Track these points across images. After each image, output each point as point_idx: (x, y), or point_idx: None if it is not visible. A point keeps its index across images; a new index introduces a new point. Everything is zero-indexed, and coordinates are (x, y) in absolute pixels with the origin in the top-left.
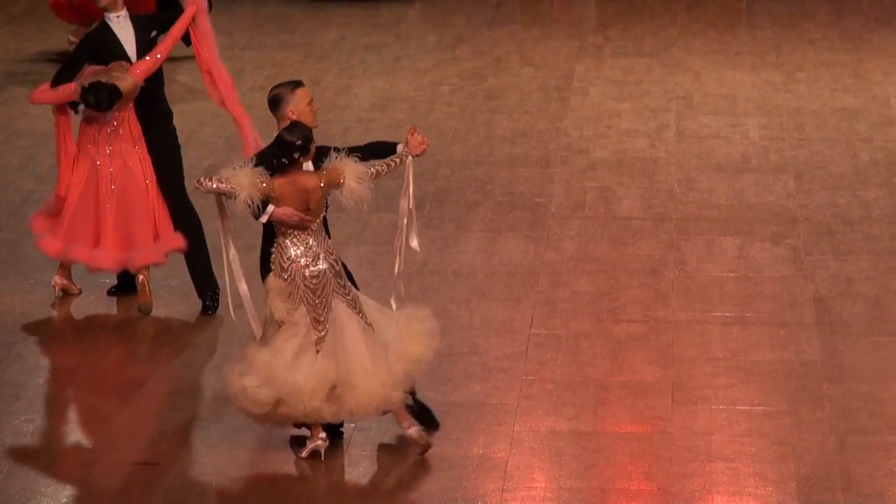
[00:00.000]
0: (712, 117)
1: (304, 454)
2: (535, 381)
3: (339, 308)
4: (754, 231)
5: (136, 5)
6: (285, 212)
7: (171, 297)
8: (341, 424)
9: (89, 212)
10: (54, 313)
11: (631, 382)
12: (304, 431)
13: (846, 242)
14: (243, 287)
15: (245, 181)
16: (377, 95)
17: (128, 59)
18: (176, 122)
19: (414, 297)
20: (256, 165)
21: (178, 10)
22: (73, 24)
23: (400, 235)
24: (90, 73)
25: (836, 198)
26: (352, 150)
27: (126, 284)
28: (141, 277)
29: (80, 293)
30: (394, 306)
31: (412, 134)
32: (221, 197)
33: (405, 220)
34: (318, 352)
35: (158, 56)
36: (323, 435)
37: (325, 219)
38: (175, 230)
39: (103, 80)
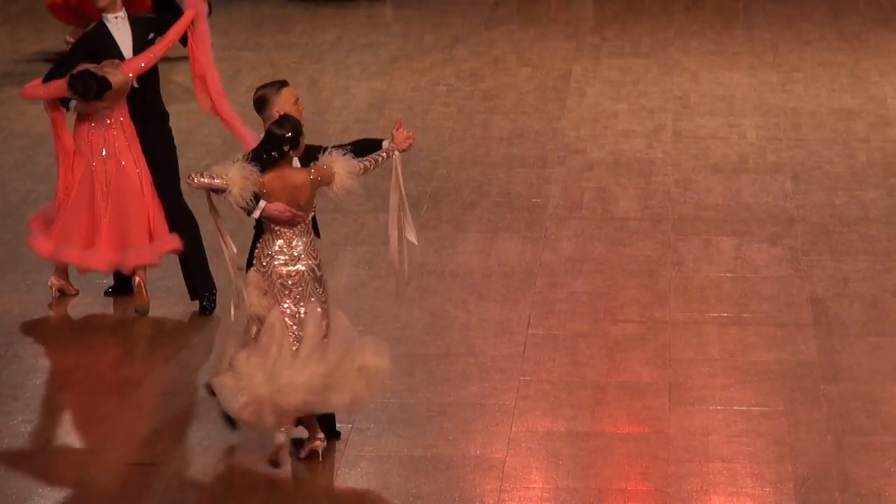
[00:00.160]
0: (709, 118)
1: (302, 455)
2: (533, 382)
3: (312, 311)
4: (751, 231)
5: (131, 6)
6: (277, 207)
7: (169, 298)
8: (335, 427)
9: (83, 212)
10: (51, 314)
11: (628, 383)
12: (303, 432)
13: (843, 243)
14: (240, 284)
15: (236, 176)
16: (374, 96)
17: (120, 57)
18: (173, 122)
19: (411, 298)
20: (248, 161)
21: (176, 13)
22: (69, 24)
23: (394, 230)
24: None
25: (833, 198)
26: (336, 148)
27: (123, 285)
28: (137, 279)
29: (78, 294)
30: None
31: (397, 129)
32: (212, 194)
33: (398, 214)
34: (295, 349)
35: (151, 56)
36: (321, 436)
37: (314, 219)
38: (170, 232)
39: (93, 70)
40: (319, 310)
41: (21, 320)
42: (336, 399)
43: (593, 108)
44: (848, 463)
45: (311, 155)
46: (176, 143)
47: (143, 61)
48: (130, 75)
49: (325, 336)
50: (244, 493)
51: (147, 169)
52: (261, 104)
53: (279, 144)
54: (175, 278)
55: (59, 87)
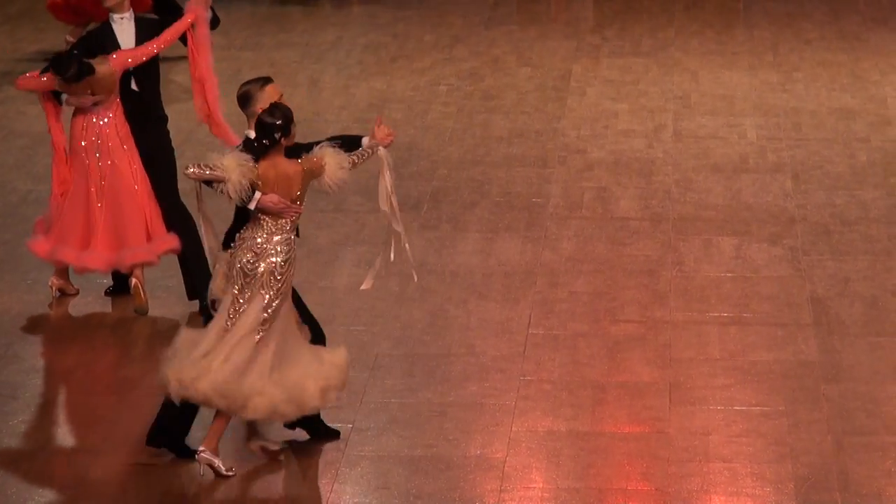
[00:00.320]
0: (710, 117)
1: (253, 447)
2: (533, 382)
3: (256, 305)
4: (752, 231)
5: (131, 5)
6: (271, 199)
7: (168, 298)
8: (320, 429)
9: (78, 212)
10: (51, 314)
11: (628, 383)
12: (300, 433)
13: (844, 242)
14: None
15: (232, 165)
16: (374, 95)
17: None
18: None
19: (411, 298)
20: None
21: (177, 14)
22: (69, 24)
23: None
24: None
25: (833, 198)
26: (326, 142)
27: (122, 285)
28: (134, 280)
29: (78, 293)
30: (415, 277)
31: (378, 125)
32: (203, 186)
33: (389, 206)
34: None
35: (140, 53)
36: (202, 447)
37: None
38: (168, 232)
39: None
40: (265, 304)
41: (21, 320)
42: (254, 405)
43: (593, 108)
44: (848, 463)
45: (298, 153)
46: (176, 142)
47: (131, 56)
48: (116, 66)
49: (262, 330)
50: (244, 493)
51: (142, 169)
52: (245, 100)
53: (271, 132)
54: (174, 278)
55: (53, 78)
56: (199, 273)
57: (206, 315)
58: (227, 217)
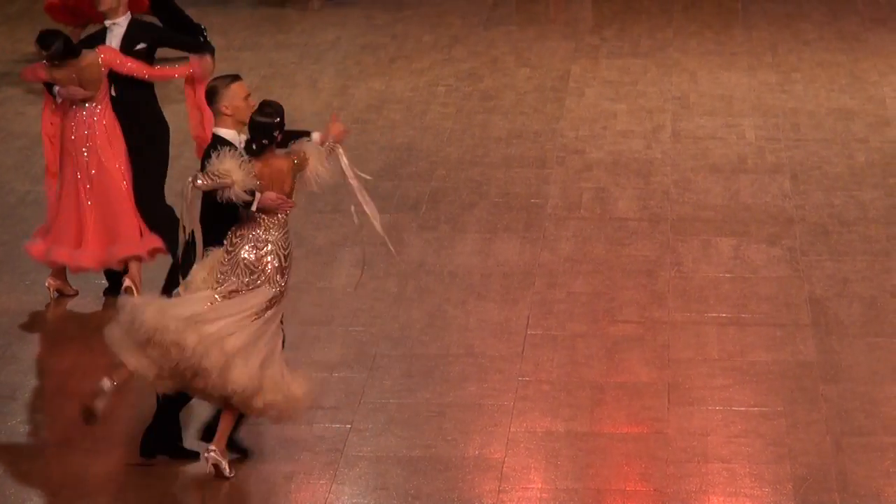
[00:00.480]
0: (708, 118)
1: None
2: (532, 382)
3: (260, 296)
4: (750, 232)
5: (130, 6)
6: (270, 196)
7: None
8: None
9: (72, 212)
10: (50, 314)
11: (627, 383)
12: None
13: (842, 243)
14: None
15: (236, 170)
16: (373, 96)
17: None
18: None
19: (410, 298)
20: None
21: (173, 14)
22: (68, 25)
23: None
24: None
25: (832, 198)
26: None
27: (118, 285)
28: (127, 282)
29: (77, 294)
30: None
31: (334, 122)
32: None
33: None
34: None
35: (129, 64)
36: (212, 447)
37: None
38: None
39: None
40: (269, 297)
41: (19, 321)
42: (235, 375)
43: (592, 109)
44: (847, 463)
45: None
46: (175, 143)
47: (120, 60)
48: (104, 59)
49: (259, 316)
50: (243, 494)
51: (129, 168)
52: (210, 95)
53: (270, 131)
54: None
55: (47, 68)
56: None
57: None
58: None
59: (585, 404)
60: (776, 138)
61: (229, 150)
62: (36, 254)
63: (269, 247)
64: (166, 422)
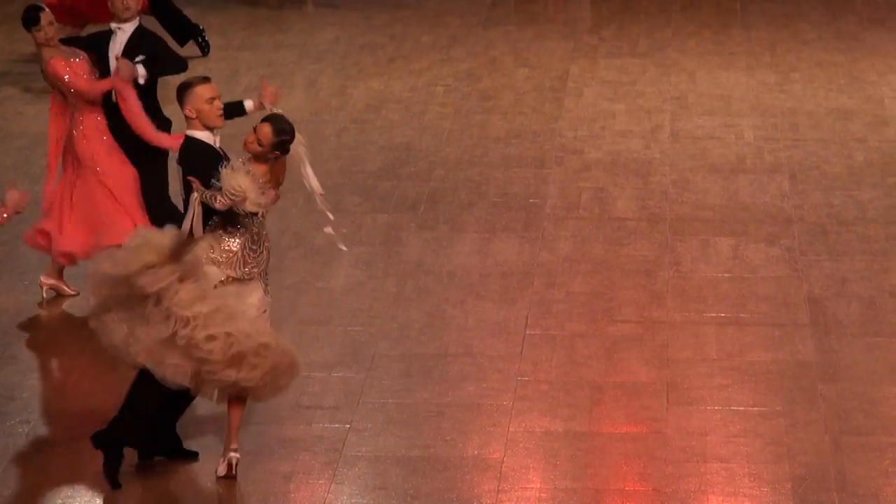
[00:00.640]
0: (707, 118)
1: (219, 472)
2: (530, 382)
3: (259, 289)
4: (749, 232)
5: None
6: (269, 196)
7: None
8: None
9: (64, 204)
10: (49, 314)
11: (626, 383)
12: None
13: (841, 243)
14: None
15: (247, 184)
16: (372, 96)
17: (107, 67)
18: (174, 121)
19: (409, 298)
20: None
21: (173, 14)
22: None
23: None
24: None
25: (830, 198)
26: None
27: None
28: None
29: (79, 294)
30: (342, 248)
31: (265, 87)
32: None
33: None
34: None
35: (77, 83)
36: (234, 446)
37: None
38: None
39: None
40: (265, 289)
41: (18, 321)
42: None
43: (591, 109)
44: (846, 463)
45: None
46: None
47: (69, 77)
48: (53, 69)
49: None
50: (243, 493)
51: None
52: (178, 97)
53: (285, 145)
54: None
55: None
56: None
57: None
58: None
59: (584, 404)
60: (775, 138)
61: (237, 164)
62: (27, 238)
63: (265, 241)
64: (166, 423)
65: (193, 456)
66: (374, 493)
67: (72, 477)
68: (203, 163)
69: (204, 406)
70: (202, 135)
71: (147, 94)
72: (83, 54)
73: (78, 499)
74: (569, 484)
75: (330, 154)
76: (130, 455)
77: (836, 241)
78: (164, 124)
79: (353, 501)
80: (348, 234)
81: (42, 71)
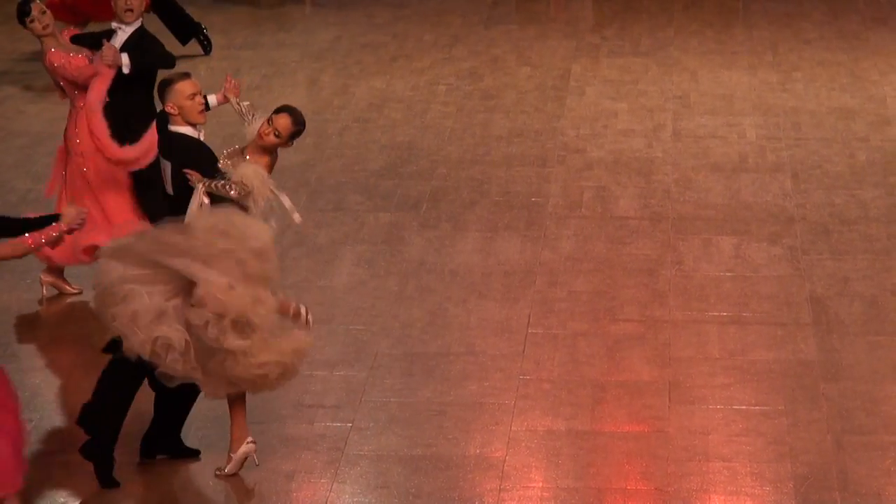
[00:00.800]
0: (709, 117)
1: (227, 470)
2: (533, 381)
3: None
4: (751, 231)
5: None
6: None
7: None
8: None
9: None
10: (49, 313)
11: (628, 382)
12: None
13: (843, 242)
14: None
15: (253, 176)
16: (374, 95)
17: None
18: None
19: (411, 297)
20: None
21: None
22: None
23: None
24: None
25: (832, 197)
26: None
27: None
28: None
29: (81, 293)
30: (297, 219)
31: (228, 80)
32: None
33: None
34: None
35: (76, 72)
36: (250, 439)
37: None
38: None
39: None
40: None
41: (19, 319)
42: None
43: (593, 108)
44: (848, 462)
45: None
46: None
47: (66, 65)
48: (51, 60)
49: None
50: (244, 493)
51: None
52: (159, 93)
53: (301, 133)
54: None
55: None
56: None
57: None
58: None
59: (586, 403)
60: (777, 137)
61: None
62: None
63: None
64: (168, 422)
65: (195, 454)
66: (376, 492)
67: (73, 476)
68: (198, 156)
69: (204, 405)
70: (186, 130)
71: (142, 88)
72: (86, 51)
73: (80, 498)
74: (571, 483)
75: (332, 153)
76: (132, 454)
77: (838, 241)
78: (147, 119)
79: (355, 500)
80: (350, 232)
81: (43, 65)
